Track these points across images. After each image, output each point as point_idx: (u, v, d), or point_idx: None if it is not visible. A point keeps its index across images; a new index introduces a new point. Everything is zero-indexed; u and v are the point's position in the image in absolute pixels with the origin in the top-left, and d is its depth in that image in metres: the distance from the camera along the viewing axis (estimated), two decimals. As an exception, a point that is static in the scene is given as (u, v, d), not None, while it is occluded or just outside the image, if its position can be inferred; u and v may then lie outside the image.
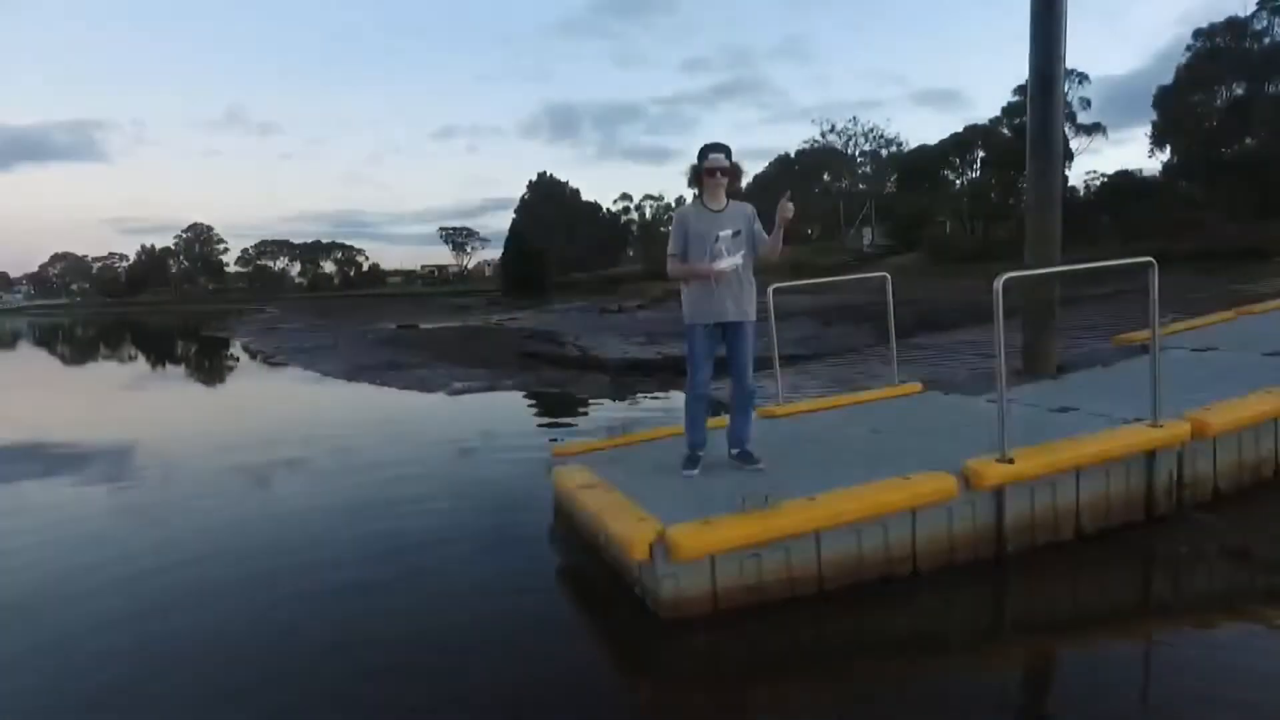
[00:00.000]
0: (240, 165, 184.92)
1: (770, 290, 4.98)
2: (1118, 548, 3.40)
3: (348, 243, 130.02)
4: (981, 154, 30.37)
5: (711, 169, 3.59)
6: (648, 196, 76.28)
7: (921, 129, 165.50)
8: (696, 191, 3.75)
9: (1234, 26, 35.27)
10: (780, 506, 2.97)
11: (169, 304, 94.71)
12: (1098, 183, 29.27)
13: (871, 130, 51.11)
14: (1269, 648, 2.60)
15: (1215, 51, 34.49)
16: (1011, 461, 3.24)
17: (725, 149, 3.65)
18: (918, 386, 5.45)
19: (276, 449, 6.82)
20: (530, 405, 8.61)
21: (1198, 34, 35.54)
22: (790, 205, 3.46)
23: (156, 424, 9.25)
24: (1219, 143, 29.77)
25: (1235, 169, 24.33)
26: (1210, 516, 3.58)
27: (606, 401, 8.29)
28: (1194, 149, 30.20)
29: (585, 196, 60.35)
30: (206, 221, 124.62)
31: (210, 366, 17.17)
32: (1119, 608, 3.07)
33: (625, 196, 75.66)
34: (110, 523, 4.91)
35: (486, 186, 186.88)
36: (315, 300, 75.78)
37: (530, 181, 60.32)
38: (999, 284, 3.30)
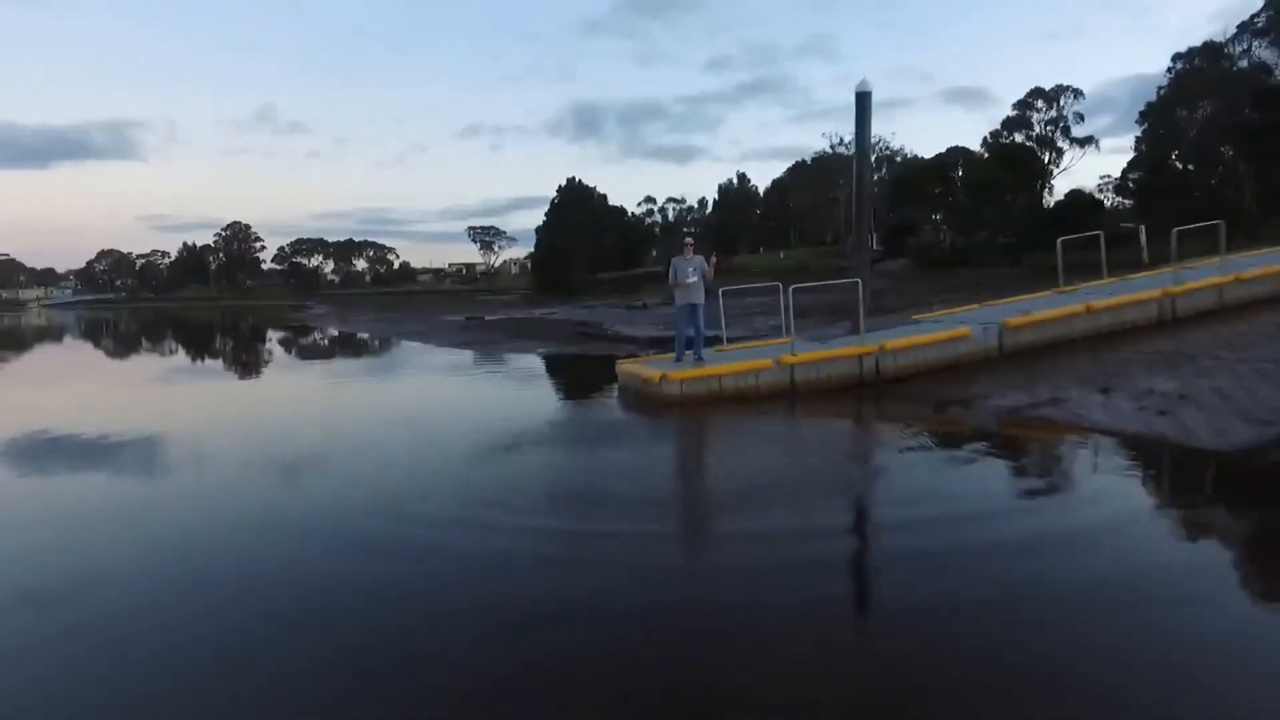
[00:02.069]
0: (268, 164, 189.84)
1: (720, 290, 10.57)
2: (848, 393, 8.89)
3: (379, 241, 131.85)
4: (961, 173, 35.43)
5: (685, 244, 9.26)
6: (670, 199, 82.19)
7: (948, 129, 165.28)
8: (681, 248, 9.41)
9: (1210, 50, 39.67)
10: (704, 366, 8.61)
11: (211, 300, 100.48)
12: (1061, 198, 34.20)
13: (877, 142, 56.00)
14: (938, 431, 8.13)
15: (1193, 73, 38.48)
16: (797, 357, 8.81)
17: (692, 233, 9.36)
18: (790, 338, 10.99)
19: (472, 378, 12.60)
20: (591, 355, 14.27)
21: (1176, 57, 40.04)
22: (713, 261, 9.12)
23: (392, 387, 12.73)
24: (1191, 160, 34.12)
25: (1169, 192, 29.19)
26: (887, 384, 9.08)
27: (619, 372, 13.91)
28: (1162, 166, 34.76)
29: (606, 194, 65.84)
30: (231, 219, 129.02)
31: (360, 346, 20.70)
32: (845, 410, 8.55)
33: (649, 199, 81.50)
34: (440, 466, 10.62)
35: (510, 185, 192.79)
36: (357, 297, 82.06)
37: (559, 186, 65.82)
38: (790, 291, 8.89)
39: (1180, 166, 32.22)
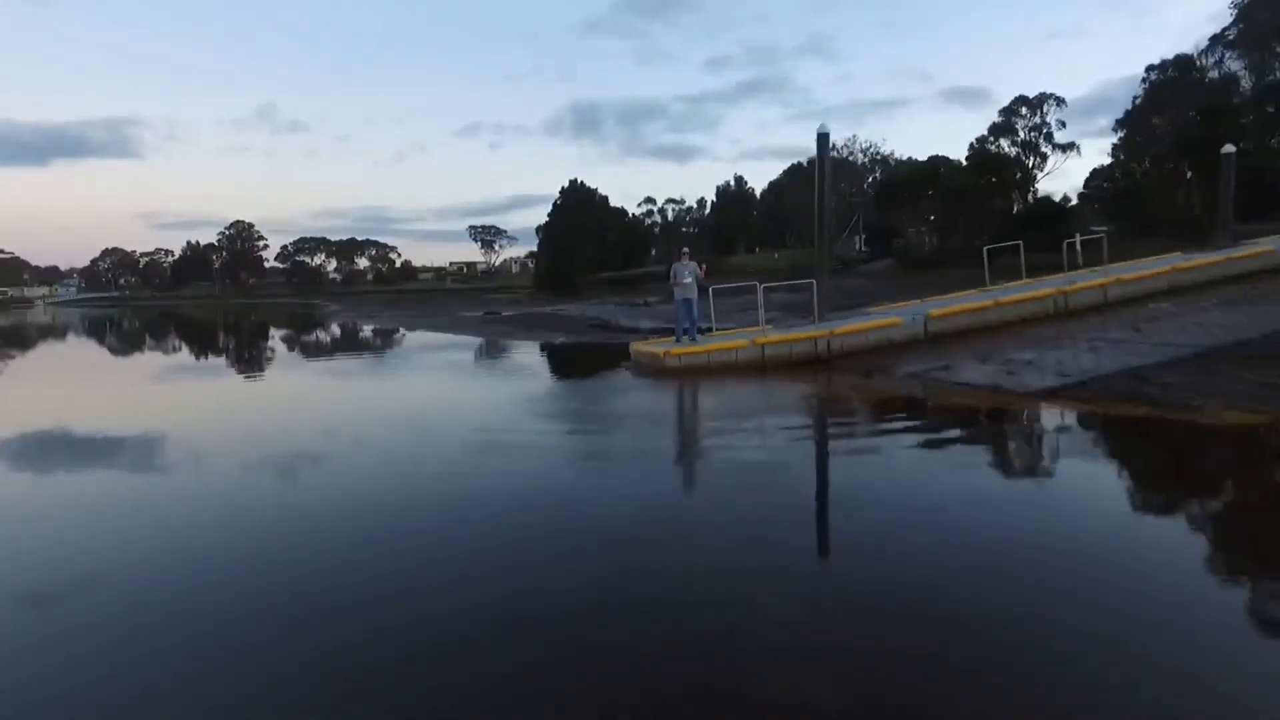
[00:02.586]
0: (268, 162, 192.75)
1: (710, 289, 13.54)
2: (806, 365, 11.85)
3: (380, 240, 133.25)
4: (941, 181, 38.39)
5: (682, 253, 12.32)
6: (669, 200, 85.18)
7: (946, 130, 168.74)
8: (679, 255, 12.42)
9: (1182, 62, 42.53)
10: (699, 343, 11.61)
11: (216, 298, 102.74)
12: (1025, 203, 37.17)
13: (869, 147, 59.03)
14: (856, 386, 11.12)
15: (1166, 84, 41.07)
16: (767, 338, 11.79)
17: (687, 245, 12.40)
18: (762, 326, 13.95)
19: (523, 355, 15.61)
20: (605, 342, 17.24)
21: (1150, 68, 42.90)
22: (704, 267, 12.15)
23: (474, 364, 17.89)
24: (1164, 164, 36.93)
25: (1133, 197, 32.18)
26: (836, 359, 12.04)
27: (630, 350, 16.87)
28: (1131, 173, 37.67)
29: (606, 194, 68.62)
30: (228, 217, 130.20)
31: (408, 339, 23.04)
32: (799, 376, 11.52)
33: (649, 200, 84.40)
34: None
35: (509, 184, 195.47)
36: (366, 295, 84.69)
37: (562, 188, 68.67)
38: (761, 289, 11.88)
39: (1147, 173, 35.20)
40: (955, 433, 7.32)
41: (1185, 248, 17.78)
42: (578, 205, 67.12)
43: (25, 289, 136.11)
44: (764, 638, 3.35)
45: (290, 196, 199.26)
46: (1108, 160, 43.50)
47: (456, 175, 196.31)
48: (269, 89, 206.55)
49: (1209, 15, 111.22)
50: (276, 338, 26.83)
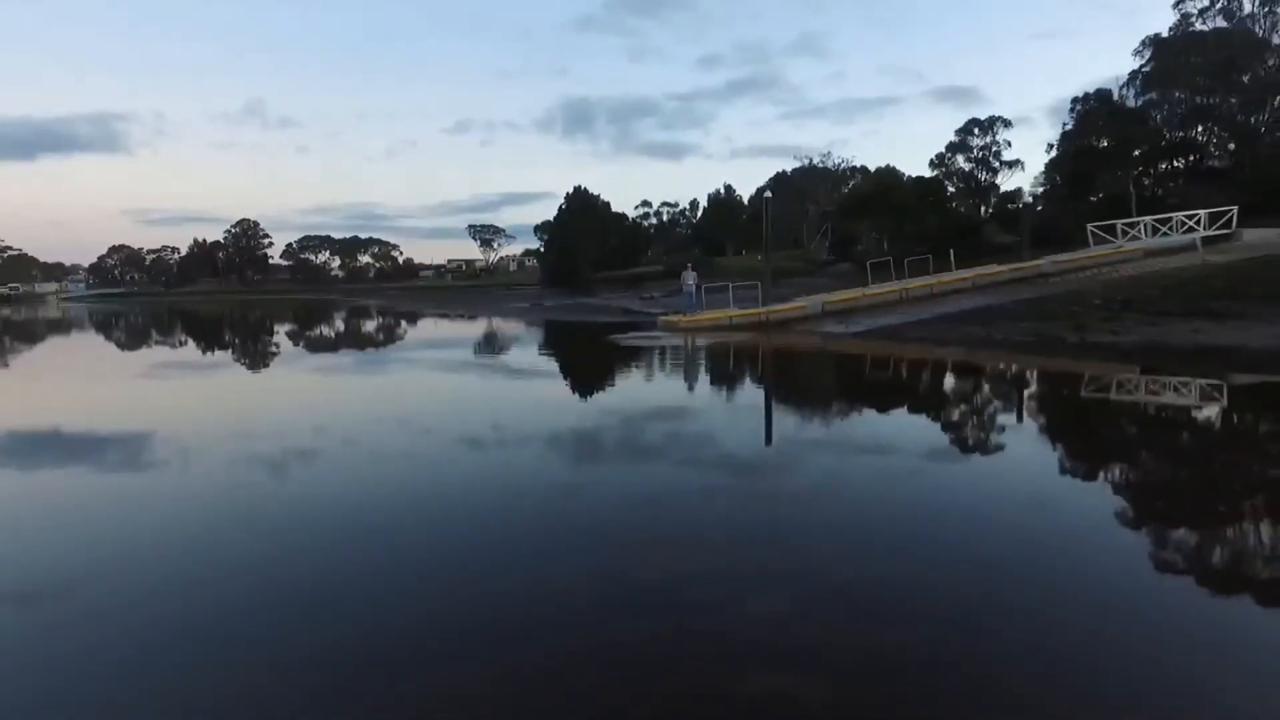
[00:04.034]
0: (257, 158, 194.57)
1: (703, 287, 24.04)
2: (755, 327, 22.29)
3: (381, 238, 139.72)
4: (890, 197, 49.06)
5: (687, 265, 23.04)
6: (664, 203, 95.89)
7: (938, 127, 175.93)
8: (685, 266, 23.02)
9: (1103, 95, 52.86)
10: (696, 316, 22.21)
11: (227, 294, 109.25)
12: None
13: (841, 162, 69.80)
14: (774, 334, 21.65)
15: (1090, 113, 50.52)
16: (733, 312, 22.36)
17: (691, 263, 23.05)
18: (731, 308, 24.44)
19: (588, 328, 26.05)
20: (638, 320, 27.60)
21: (1074, 100, 53.21)
22: (697, 274, 22.84)
23: (565, 330, 28.25)
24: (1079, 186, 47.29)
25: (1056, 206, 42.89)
26: (772, 325, 22.52)
27: (658, 320, 27.38)
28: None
29: (608, 199, 78.68)
30: (220, 213, 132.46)
31: (530, 321, 35.33)
32: (750, 330, 21.98)
33: (645, 203, 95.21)
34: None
35: (500, 181, 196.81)
36: (388, 291, 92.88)
37: (567, 194, 78.79)
38: (731, 289, 22.46)
39: (1045, 194, 46.05)
40: (804, 346, 17.68)
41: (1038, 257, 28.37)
42: (581, 209, 77.42)
43: (36, 284, 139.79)
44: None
45: (281, 193, 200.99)
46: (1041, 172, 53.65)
47: (447, 172, 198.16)
48: (259, 84, 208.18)
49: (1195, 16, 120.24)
50: (439, 332, 36.99)
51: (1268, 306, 16.16)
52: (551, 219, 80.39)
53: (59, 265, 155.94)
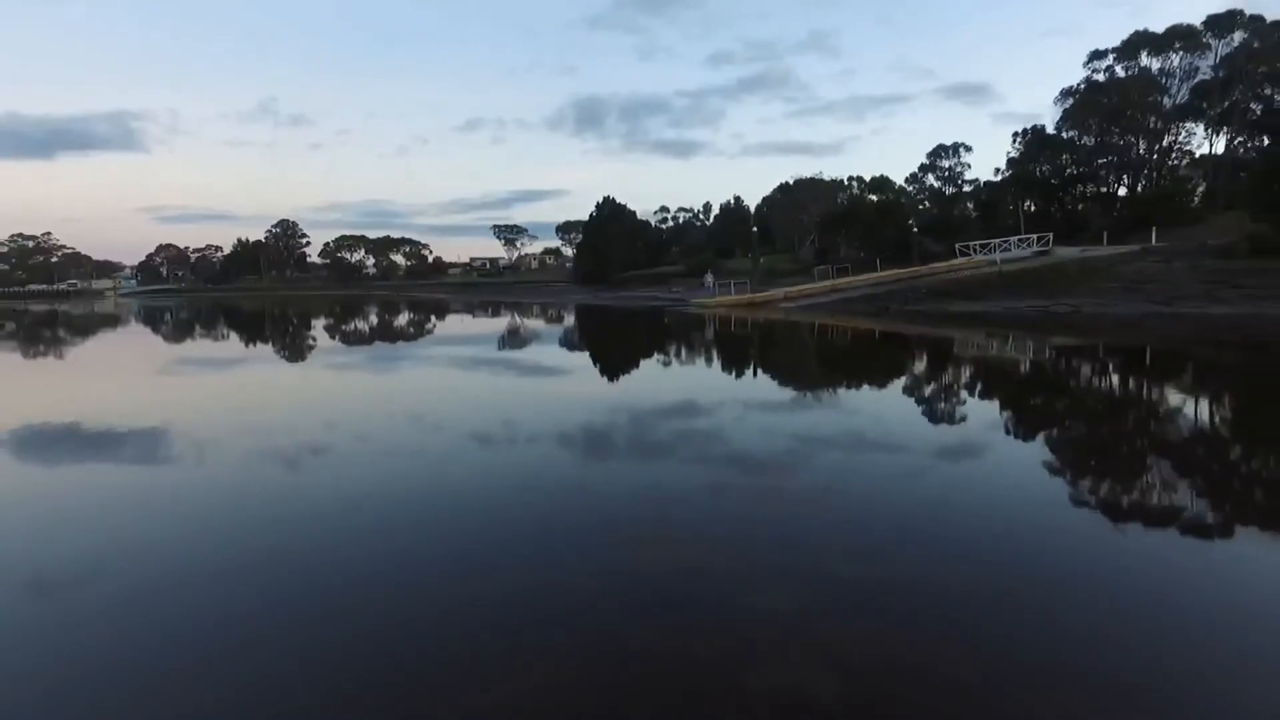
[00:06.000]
0: (270, 156, 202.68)
1: (716, 284, 42.13)
2: (749, 306, 40.24)
3: (411, 237, 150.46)
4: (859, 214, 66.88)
5: (710, 267, 41.35)
6: (681, 208, 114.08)
7: (947, 123, 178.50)
8: (707, 268, 41.32)
9: (1038, 131, 70.00)
10: (715, 300, 40.46)
11: (265, 290, 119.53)
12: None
13: (833, 180, 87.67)
14: (795, 319, 39.74)
15: (1029, 144, 67.74)
16: (735, 298, 40.50)
17: (711, 267, 41.47)
18: (735, 294, 42.48)
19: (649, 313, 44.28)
20: (677, 306, 45.53)
21: (1015, 135, 70.54)
22: (713, 275, 41.24)
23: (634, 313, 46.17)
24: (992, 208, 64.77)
25: (949, 230, 60.50)
26: (757, 305, 40.53)
27: (690, 301, 45.43)
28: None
29: (616, 196, 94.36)
30: (232, 211, 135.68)
31: (578, 314, 53.30)
32: (744, 308, 39.90)
33: (663, 208, 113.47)
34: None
35: (512, 178, 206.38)
36: (434, 288, 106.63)
37: (597, 203, 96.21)
38: (733, 285, 40.66)
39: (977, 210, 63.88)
40: (771, 315, 35.45)
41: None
42: (610, 217, 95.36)
43: (93, 281, 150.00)
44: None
45: (292, 190, 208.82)
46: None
47: (459, 170, 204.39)
48: (271, 82, 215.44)
49: (1201, 14, 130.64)
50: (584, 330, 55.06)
51: (1004, 294, 33.92)
52: (572, 219, 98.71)
53: (107, 263, 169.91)
